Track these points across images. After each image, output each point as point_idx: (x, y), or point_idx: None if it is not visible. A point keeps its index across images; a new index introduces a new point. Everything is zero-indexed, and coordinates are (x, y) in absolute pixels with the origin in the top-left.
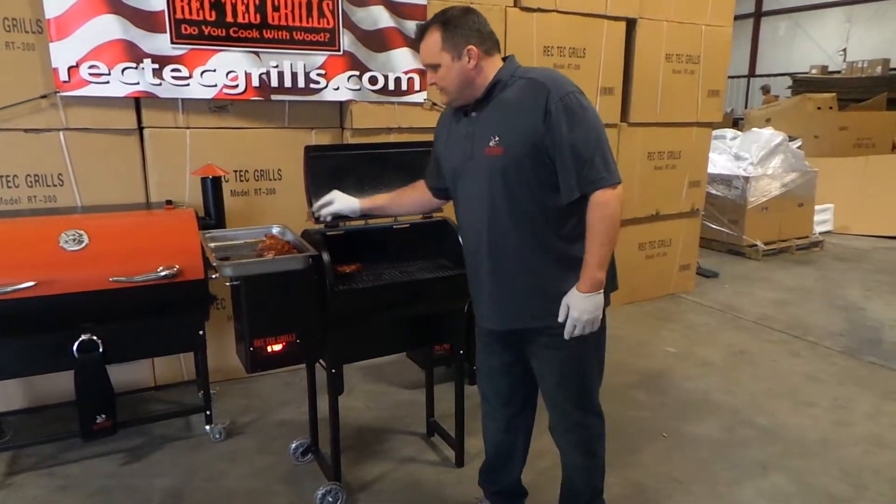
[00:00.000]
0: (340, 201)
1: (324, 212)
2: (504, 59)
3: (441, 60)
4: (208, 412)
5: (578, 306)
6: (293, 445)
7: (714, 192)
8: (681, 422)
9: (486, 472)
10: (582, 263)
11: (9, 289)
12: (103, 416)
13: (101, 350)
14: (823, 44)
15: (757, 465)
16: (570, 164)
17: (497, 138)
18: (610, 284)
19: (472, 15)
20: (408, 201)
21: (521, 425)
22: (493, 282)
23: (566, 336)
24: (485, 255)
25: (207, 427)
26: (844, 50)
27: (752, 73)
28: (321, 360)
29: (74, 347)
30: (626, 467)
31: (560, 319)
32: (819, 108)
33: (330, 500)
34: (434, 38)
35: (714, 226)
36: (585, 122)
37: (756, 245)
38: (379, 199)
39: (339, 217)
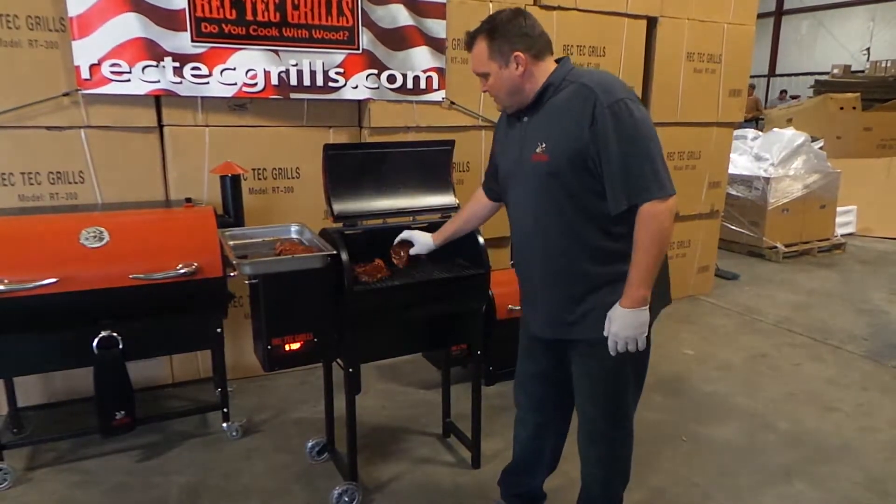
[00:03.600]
0: (418, 242)
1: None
2: (558, 62)
3: (489, 69)
4: (225, 410)
5: (618, 322)
6: (309, 444)
7: (734, 192)
8: (700, 425)
9: (509, 473)
10: (625, 276)
11: (31, 285)
12: (122, 412)
13: (120, 346)
14: (846, 43)
15: (779, 471)
16: (618, 175)
17: (543, 145)
18: (660, 300)
19: (520, 18)
20: (475, 218)
21: (550, 434)
22: (541, 287)
23: (611, 352)
24: (532, 259)
25: (224, 424)
26: (868, 49)
27: (772, 73)
28: (338, 360)
29: (94, 344)
30: (645, 471)
31: (605, 334)
32: (842, 109)
33: (346, 499)
34: (481, 48)
35: (734, 227)
36: (634, 131)
37: (776, 247)
38: (448, 230)
39: (356, 216)
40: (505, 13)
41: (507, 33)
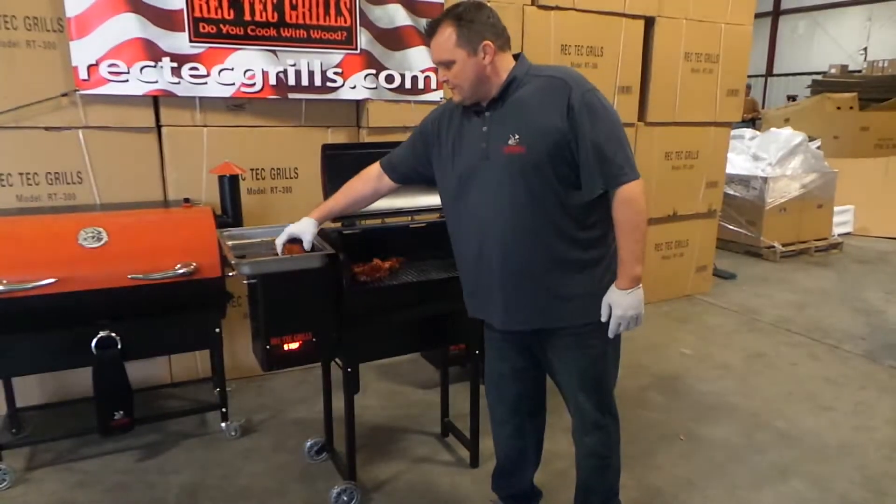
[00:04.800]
0: (302, 232)
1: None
2: (515, 57)
3: (455, 56)
4: (224, 409)
5: (621, 304)
6: (308, 444)
7: (732, 192)
8: (697, 424)
9: (497, 477)
10: (602, 261)
11: (30, 285)
12: (121, 412)
13: (119, 347)
14: (843, 43)
15: (775, 470)
16: (594, 161)
17: (517, 136)
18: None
19: (486, 9)
20: (367, 198)
21: (531, 431)
22: (511, 283)
23: (610, 335)
24: (499, 255)
25: (223, 424)
26: (865, 49)
27: (769, 73)
28: (337, 360)
29: (93, 344)
30: (642, 470)
31: (603, 319)
32: (839, 108)
33: (345, 499)
34: (447, 34)
35: (731, 227)
36: (607, 119)
37: (774, 246)
38: (332, 208)
39: (355, 216)
40: (469, 3)
41: (475, 20)
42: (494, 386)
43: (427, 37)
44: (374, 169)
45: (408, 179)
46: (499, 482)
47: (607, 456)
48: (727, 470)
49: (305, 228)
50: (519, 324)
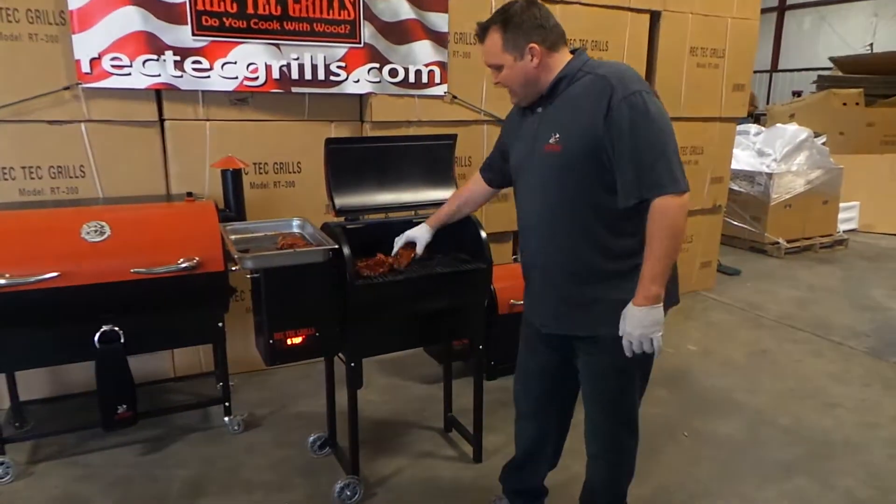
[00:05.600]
0: (418, 238)
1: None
2: (573, 52)
3: (503, 61)
4: (227, 404)
5: (631, 321)
6: (311, 439)
7: (736, 188)
8: (702, 421)
9: (511, 469)
10: (633, 273)
11: (32, 279)
12: (124, 406)
13: (122, 341)
14: (849, 38)
15: (780, 467)
16: (629, 168)
17: (557, 135)
18: (669, 298)
19: (534, 9)
20: (471, 202)
21: (553, 431)
22: (546, 281)
23: (626, 352)
24: (538, 252)
25: (226, 419)
26: (871, 45)
27: (774, 69)
28: (340, 354)
29: (96, 338)
30: (647, 467)
31: (620, 333)
32: (845, 104)
33: (348, 493)
34: (494, 39)
35: (736, 223)
36: (649, 124)
37: (778, 243)
38: (444, 214)
39: (358, 210)
40: (518, 4)
41: (521, 24)
42: (522, 379)
43: (478, 41)
44: (476, 176)
45: (503, 182)
46: (509, 475)
47: (617, 463)
48: (731, 467)
49: (421, 234)
50: (545, 323)
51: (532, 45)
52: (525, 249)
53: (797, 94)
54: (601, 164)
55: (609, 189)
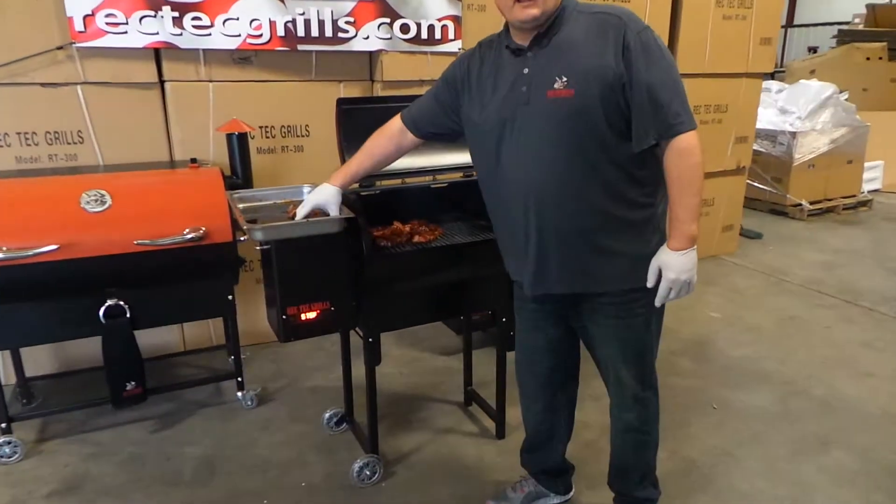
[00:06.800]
0: (325, 201)
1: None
2: None
3: None
4: (239, 379)
5: (675, 266)
6: (327, 415)
7: (757, 148)
8: (731, 391)
9: (527, 452)
10: (652, 221)
11: (31, 252)
12: (133, 382)
13: (128, 315)
14: None
15: (815, 440)
16: (647, 106)
17: (564, 79)
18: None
19: None
20: (390, 156)
21: (563, 405)
22: (549, 242)
23: (657, 303)
24: (536, 211)
25: (239, 394)
26: None
27: (790, 24)
28: (356, 329)
29: (101, 313)
30: (675, 440)
31: (650, 284)
32: (868, 59)
33: (367, 473)
34: None
35: (756, 184)
36: (663, 61)
37: (801, 204)
38: (354, 171)
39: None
40: None
41: None
42: (526, 360)
43: None
44: (396, 124)
45: (432, 135)
46: (529, 458)
47: (646, 431)
48: (764, 440)
49: (329, 198)
50: (556, 287)
51: None
52: (509, 212)
53: (813, 49)
54: (616, 106)
55: (620, 133)
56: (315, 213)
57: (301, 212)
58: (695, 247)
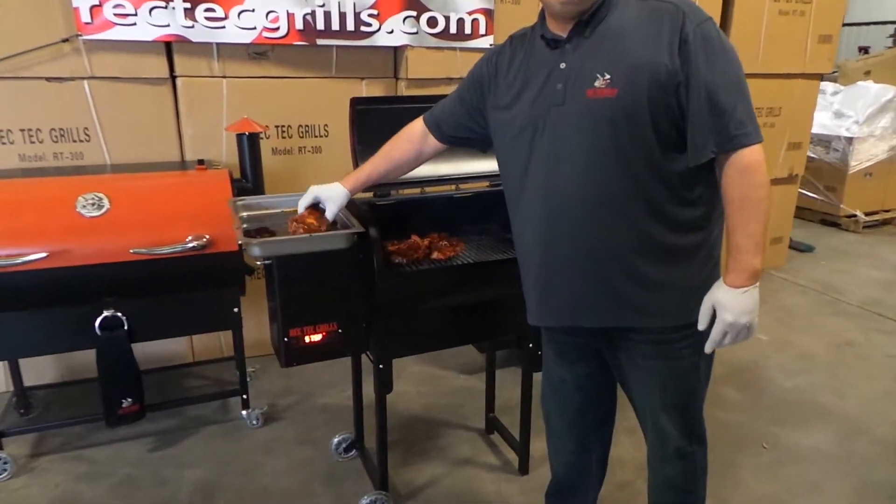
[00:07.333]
0: (329, 199)
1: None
2: None
3: None
4: (244, 396)
5: (733, 308)
6: (336, 440)
7: (810, 154)
8: (783, 429)
9: (554, 496)
10: (702, 248)
11: (18, 260)
12: (129, 399)
13: (125, 328)
14: None
15: (882, 491)
16: (706, 112)
17: (608, 76)
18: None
19: None
20: (410, 161)
21: (595, 444)
22: (581, 268)
23: (708, 349)
24: (568, 232)
25: (244, 413)
26: None
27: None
28: (367, 353)
29: (97, 324)
30: (721, 485)
31: (701, 326)
32: None
33: None
34: None
35: (807, 192)
36: (727, 59)
37: (856, 215)
38: (370, 175)
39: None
40: None
41: None
42: (554, 392)
43: None
44: (418, 127)
45: (457, 140)
46: (555, 502)
47: (691, 490)
48: (823, 489)
49: (333, 195)
50: (587, 320)
51: None
52: (538, 230)
53: (864, 49)
54: (668, 111)
55: (674, 143)
56: (315, 206)
57: (302, 203)
58: (757, 283)
